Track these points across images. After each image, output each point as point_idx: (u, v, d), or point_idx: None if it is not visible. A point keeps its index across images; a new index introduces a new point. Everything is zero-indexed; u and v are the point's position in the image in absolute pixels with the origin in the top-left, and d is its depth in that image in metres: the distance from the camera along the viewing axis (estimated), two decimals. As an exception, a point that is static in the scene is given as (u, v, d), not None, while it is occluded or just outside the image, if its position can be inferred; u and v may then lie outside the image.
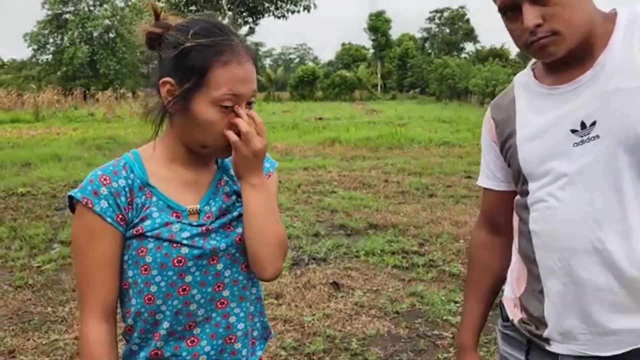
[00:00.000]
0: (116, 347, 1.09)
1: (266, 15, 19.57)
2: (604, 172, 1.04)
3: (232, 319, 1.13)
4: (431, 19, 60.55)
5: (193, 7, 18.84)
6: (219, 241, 1.09)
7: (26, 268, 4.42)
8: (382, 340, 3.17)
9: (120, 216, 1.04)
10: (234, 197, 1.16)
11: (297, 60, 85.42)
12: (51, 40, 43.20)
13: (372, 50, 57.93)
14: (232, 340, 1.13)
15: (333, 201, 6.83)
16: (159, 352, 1.09)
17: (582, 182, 1.06)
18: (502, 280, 1.36)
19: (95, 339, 1.04)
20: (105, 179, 1.05)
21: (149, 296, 1.06)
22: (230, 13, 19.15)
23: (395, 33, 57.51)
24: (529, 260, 1.18)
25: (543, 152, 1.12)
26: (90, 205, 1.02)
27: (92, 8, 42.25)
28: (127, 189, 1.05)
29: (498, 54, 47.28)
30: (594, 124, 1.05)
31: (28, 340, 3.19)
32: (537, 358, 1.19)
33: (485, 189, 1.34)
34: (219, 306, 1.11)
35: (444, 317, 3.43)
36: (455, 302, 3.62)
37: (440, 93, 39.62)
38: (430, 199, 7.02)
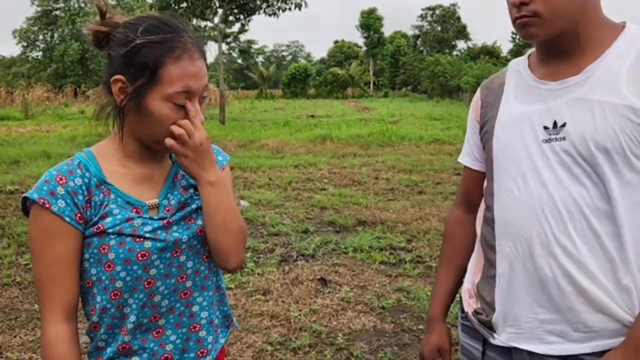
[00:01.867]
0: (78, 345, 1.09)
1: (257, 13, 19.45)
2: (564, 173, 1.08)
3: (195, 308, 1.15)
4: (423, 17, 60.67)
5: (184, 4, 18.70)
6: (180, 233, 1.11)
7: (14, 265, 4.41)
8: (367, 335, 3.21)
9: (79, 215, 1.04)
10: (191, 190, 1.17)
11: (289, 57, 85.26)
12: (41, 37, 42.85)
13: (364, 48, 57.90)
14: (197, 329, 1.15)
15: (323, 198, 6.86)
16: (127, 346, 1.10)
17: (543, 178, 1.10)
18: None
19: (57, 338, 1.04)
20: (61, 179, 1.04)
21: (115, 292, 1.06)
22: (221, 11, 19.04)
23: (387, 31, 57.55)
24: (489, 247, 1.22)
25: (515, 142, 1.16)
26: (47, 206, 1.02)
27: (82, 5, 41.95)
28: (84, 188, 1.05)
29: (490, 52, 47.49)
30: (563, 125, 1.08)
31: (15, 337, 3.20)
32: (493, 347, 1.23)
33: (464, 166, 1.38)
34: (182, 296, 1.13)
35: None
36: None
37: (432, 90, 39.74)
38: (419, 196, 7.07)
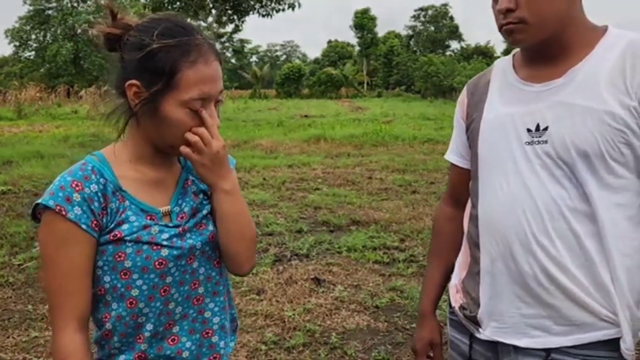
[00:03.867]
0: (91, 355, 1.06)
1: (251, 13, 19.45)
2: (545, 175, 1.11)
3: (207, 314, 1.15)
4: (416, 17, 60.81)
5: (177, 4, 18.67)
6: (195, 240, 1.10)
7: (7, 266, 4.39)
8: (361, 334, 3.23)
9: (95, 222, 1.02)
10: (201, 196, 1.17)
11: (283, 57, 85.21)
12: (33, 36, 42.59)
13: (358, 48, 57.99)
14: (209, 334, 1.15)
15: (317, 198, 6.87)
16: (143, 355, 1.09)
17: (525, 179, 1.13)
18: None
19: (70, 349, 1.02)
20: (77, 185, 1.02)
21: (131, 300, 1.05)
22: (214, 11, 19.02)
23: (381, 31, 57.66)
24: (474, 244, 1.25)
25: (499, 143, 1.19)
26: (63, 213, 0.99)
27: (75, 4, 41.75)
28: (99, 194, 1.03)
29: (483, 52, 47.68)
30: (546, 129, 1.11)
31: (8, 337, 3.19)
32: (479, 342, 1.26)
33: (451, 163, 1.41)
34: (195, 303, 1.13)
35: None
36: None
37: (426, 90, 39.84)
38: (413, 196, 7.10)
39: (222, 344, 1.18)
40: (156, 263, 1.05)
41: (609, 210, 1.08)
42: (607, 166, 1.06)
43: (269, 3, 18.94)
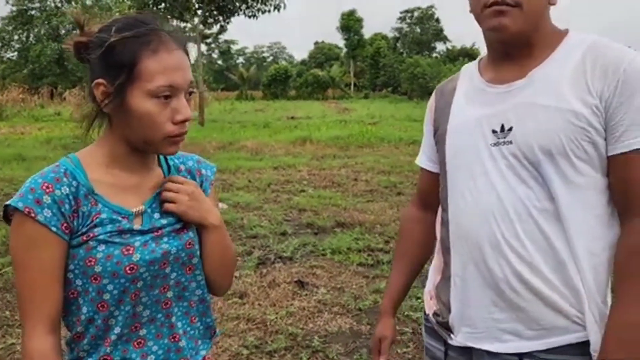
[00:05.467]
0: (61, 357, 1.05)
1: (237, 14, 19.38)
2: (512, 176, 1.11)
3: (174, 319, 1.13)
4: (402, 19, 61.09)
5: (162, 5, 18.53)
6: (170, 245, 1.09)
7: (-16, 271, 4.31)
8: (343, 336, 3.22)
9: (65, 225, 1.01)
10: None
11: (270, 58, 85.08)
12: (16, 37, 42.02)
13: (344, 49, 58.10)
14: (176, 339, 1.14)
15: (302, 200, 6.86)
16: (107, 358, 1.08)
17: (492, 180, 1.13)
18: (427, 255, 1.43)
19: (41, 351, 1.01)
20: (47, 187, 1.00)
21: (102, 303, 1.04)
22: (200, 12, 18.91)
23: (367, 32, 57.84)
24: (445, 249, 1.25)
25: (465, 145, 1.19)
26: (33, 215, 0.98)
27: (59, 4, 41.29)
28: (71, 197, 1.02)
29: (468, 54, 48.05)
30: (510, 129, 1.12)
31: (-16, 344, 3.13)
32: (453, 348, 1.26)
33: (421, 167, 1.42)
34: (164, 307, 1.11)
35: (406, 313, 3.49)
36: (418, 298, 3.68)
37: (412, 92, 40.03)
38: (398, 197, 7.11)
39: (188, 349, 1.16)
40: (127, 268, 1.03)
41: (575, 209, 1.08)
42: (572, 165, 1.07)
43: (254, 4, 18.89)
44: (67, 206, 1.01)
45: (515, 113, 1.12)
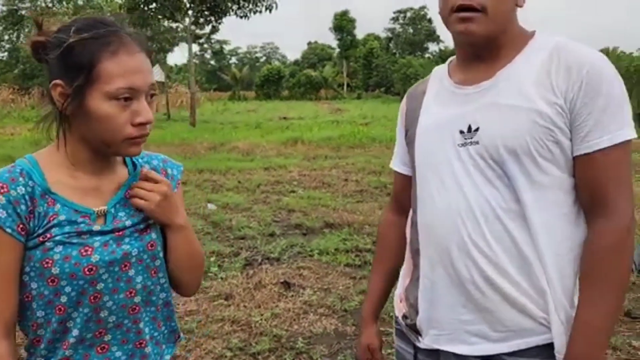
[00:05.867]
0: None
1: (228, 14, 19.33)
2: (479, 176, 1.11)
3: (142, 324, 1.12)
4: (395, 19, 61.23)
5: (153, 5, 18.45)
6: (131, 245, 1.07)
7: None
8: (328, 338, 3.21)
9: (21, 226, 0.99)
10: None
11: (263, 59, 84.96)
12: (6, 37, 41.72)
13: (337, 50, 58.15)
14: (142, 345, 1.12)
15: (291, 201, 6.85)
16: None
17: (460, 181, 1.13)
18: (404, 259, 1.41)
19: None
20: (1, 187, 0.98)
21: (60, 307, 1.02)
22: (191, 12, 18.85)
23: (360, 33, 57.91)
24: (414, 251, 1.25)
25: (434, 147, 1.19)
26: None
27: (49, 4, 41.07)
28: (27, 197, 1.00)
29: (461, 54, 48.15)
30: (477, 130, 1.12)
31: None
32: (422, 350, 1.25)
33: (395, 171, 1.41)
34: (131, 312, 1.09)
35: (391, 314, 3.46)
36: (403, 299, 3.68)
37: (404, 92, 40.03)
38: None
39: (153, 355, 1.14)
40: (85, 269, 1.01)
41: (541, 210, 1.08)
42: (537, 164, 1.07)
43: (246, 4, 18.86)
44: (22, 207, 0.99)
45: (482, 113, 1.12)
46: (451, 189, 1.14)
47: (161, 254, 1.13)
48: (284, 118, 21.77)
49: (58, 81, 1.01)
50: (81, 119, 1.03)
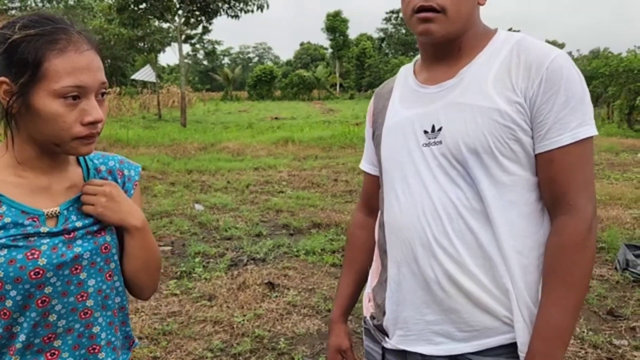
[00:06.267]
0: None
1: (219, 14, 19.27)
2: (442, 176, 1.10)
3: (96, 329, 1.09)
4: (387, 20, 61.33)
5: (143, 5, 18.35)
6: (83, 248, 1.04)
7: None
8: (310, 338, 3.19)
9: None
10: None
11: (256, 59, 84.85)
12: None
13: (330, 50, 58.18)
14: (96, 350, 1.09)
15: (279, 201, 6.83)
16: None
17: (424, 181, 1.12)
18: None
19: None
20: None
21: (4, 311, 0.99)
22: (181, 12, 18.77)
23: (352, 33, 57.96)
24: (382, 251, 1.24)
25: (399, 147, 1.18)
26: None
27: (39, 4, 40.80)
28: None
29: (453, 54, 48.35)
30: (440, 129, 1.11)
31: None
32: (390, 350, 1.24)
33: (364, 172, 1.40)
34: (82, 316, 1.06)
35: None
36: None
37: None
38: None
39: None
40: (31, 273, 0.98)
41: (503, 208, 1.07)
42: (498, 163, 1.06)
43: (236, 4, 18.82)
44: None
45: (445, 113, 1.11)
46: (416, 190, 1.13)
47: (116, 257, 1.10)
48: (276, 118, 21.74)
49: (3, 78, 0.98)
50: (28, 117, 1.00)
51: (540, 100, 1.04)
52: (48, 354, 1.04)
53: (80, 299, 1.05)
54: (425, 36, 1.11)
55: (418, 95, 1.18)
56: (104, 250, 1.08)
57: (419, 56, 1.26)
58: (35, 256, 0.99)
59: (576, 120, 1.04)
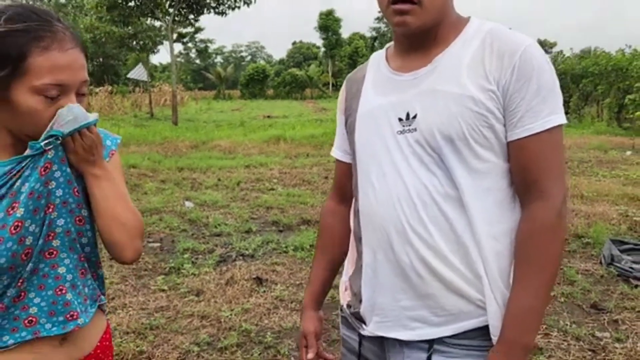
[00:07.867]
0: None
1: (207, 11, 19.15)
2: (417, 163, 1.12)
3: (62, 270, 1.09)
4: (380, 19, 61.36)
5: (132, 3, 18.25)
6: (58, 183, 1.07)
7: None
8: (296, 332, 3.21)
9: None
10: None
11: (248, 58, 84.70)
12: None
13: (323, 49, 58.17)
14: (63, 291, 1.10)
15: (270, 198, 6.83)
16: None
17: (399, 168, 1.14)
18: (347, 248, 1.41)
19: None
20: None
21: None
22: (172, 10, 18.68)
23: (345, 32, 57.99)
24: (358, 239, 1.25)
25: (373, 134, 1.19)
26: None
27: (30, 1, 40.50)
28: None
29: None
30: (415, 117, 1.12)
31: None
32: (367, 338, 1.25)
33: (336, 159, 1.41)
34: (47, 256, 1.08)
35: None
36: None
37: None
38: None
39: (77, 302, 1.12)
40: (11, 228, 1.00)
41: (477, 195, 1.09)
42: (472, 150, 1.08)
43: (224, 1, 18.73)
44: None
45: (420, 100, 1.12)
46: (390, 177, 1.14)
47: (89, 207, 1.12)
48: (268, 117, 21.72)
49: None
50: (5, 109, 1.02)
51: (512, 88, 1.06)
52: (15, 298, 1.05)
53: (47, 239, 1.07)
54: (401, 28, 1.13)
55: (392, 82, 1.19)
56: (76, 193, 1.10)
57: (391, 43, 1.27)
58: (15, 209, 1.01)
59: (547, 109, 1.06)
